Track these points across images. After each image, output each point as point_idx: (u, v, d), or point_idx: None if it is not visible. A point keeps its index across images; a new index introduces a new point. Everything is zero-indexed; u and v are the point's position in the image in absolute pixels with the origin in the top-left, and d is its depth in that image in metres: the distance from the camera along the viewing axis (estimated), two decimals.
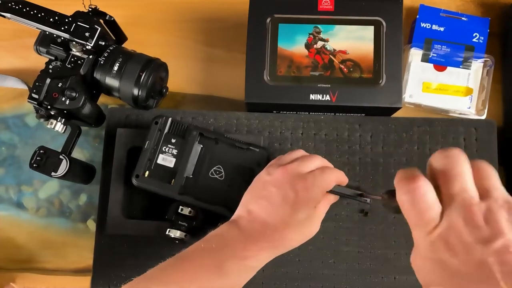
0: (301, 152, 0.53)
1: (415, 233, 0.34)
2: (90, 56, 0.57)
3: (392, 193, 0.38)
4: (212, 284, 0.45)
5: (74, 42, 0.56)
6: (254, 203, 0.49)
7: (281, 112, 0.62)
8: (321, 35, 0.60)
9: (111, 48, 0.58)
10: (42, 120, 0.56)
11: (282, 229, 0.47)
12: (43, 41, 0.59)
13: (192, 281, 0.45)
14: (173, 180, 0.55)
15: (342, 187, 0.52)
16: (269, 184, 0.49)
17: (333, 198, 0.52)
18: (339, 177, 0.51)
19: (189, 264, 0.46)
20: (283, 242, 0.48)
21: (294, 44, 0.60)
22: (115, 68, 0.57)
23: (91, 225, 0.63)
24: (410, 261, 0.36)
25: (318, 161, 0.51)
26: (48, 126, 0.56)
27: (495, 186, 0.32)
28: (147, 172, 0.55)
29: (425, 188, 0.32)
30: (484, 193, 0.32)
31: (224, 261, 0.45)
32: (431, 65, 0.64)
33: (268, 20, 0.60)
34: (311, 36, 0.60)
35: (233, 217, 0.50)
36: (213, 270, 0.45)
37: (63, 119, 0.56)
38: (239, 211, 0.50)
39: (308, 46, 0.60)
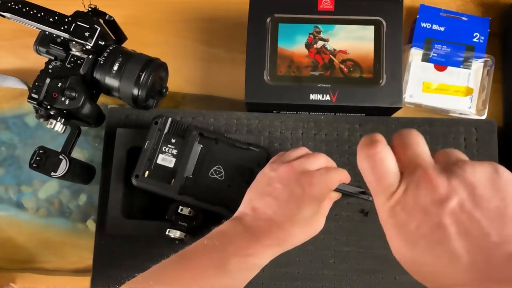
0: (304, 150, 0.53)
1: (376, 200, 0.34)
2: (90, 56, 0.57)
3: None
4: (215, 282, 0.44)
5: (73, 42, 0.56)
6: (259, 200, 0.48)
7: (281, 112, 0.62)
8: (321, 35, 0.60)
9: (111, 48, 0.58)
10: (41, 120, 0.56)
11: (288, 226, 0.47)
12: (43, 41, 0.59)
13: (195, 279, 0.44)
14: (173, 180, 0.55)
15: (345, 185, 0.52)
16: (275, 181, 0.48)
17: (336, 196, 0.52)
18: (343, 176, 0.51)
19: (192, 262, 0.45)
20: (288, 239, 0.47)
21: (294, 44, 0.60)
22: (115, 68, 0.57)
23: (91, 225, 0.63)
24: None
25: (323, 159, 0.51)
26: (48, 126, 0.56)
27: (453, 154, 0.33)
28: (147, 172, 0.55)
29: (384, 153, 0.33)
30: (442, 161, 0.32)
31: (228, 259, 0.45)
32: (432, 65, 0.64)
33: (268, 20, 0.60)
34: (311, 36, 0.60)
35: (237, 214, 0.49)
36: (216, 268, 0.45)
37: (63, 119, 0.56)
38: (242, 208, 0.49)
39: (308, 46, 0.60)
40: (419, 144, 0.33)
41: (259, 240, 0.46)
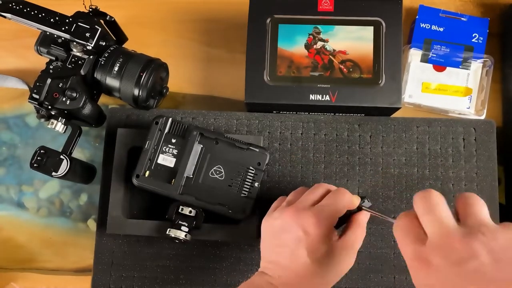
0: (302, 189, 0.52)
1: (405, 258, 0.37)
2: (91, 57, 0.57)
3: None
4: None
5: (74, 43, 0.56)
6: (272, 253, 0.48)
7: (281, 112, 0.62)
8: (321, 36, 0.60)
9: (111, 48, 0.58)
10: (42, 120, 0.56)
11: (306, 273, 0.45)
12: (44, 42, 0.59)
13: None
14: (173, 180, 0.56)
15: (366, 205, 0.50)
16: (279, 230, 0.47)
17: (363, 219, 0.50)
18: (349, 199, 0.49)
19: None
20: (314, 284, 0.46)
21: (294, 44, 0.60)
22: (116, 68, 0.57)
23: (92, 225, 0.64)
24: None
25: (321, 189, 0.50)
26: (49, 126, 0.56)
27: (476, 212, 0.35)
28: (147, 172, 0.56)
29: (409, 219, 0.37)
30: (464, 219, 0.35)
31: None
32: (431, 65, 0.65)
33: (268, 20, 0.60)
34: (311, 36, 0.60)
35: (260, 269, 0.49)
36: None
37: (64, 119, 0.57)
38: (263, 263, 0.49)
39: (308, 46, 0.60)
40: (441, 206, 0.36)
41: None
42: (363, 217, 0.50)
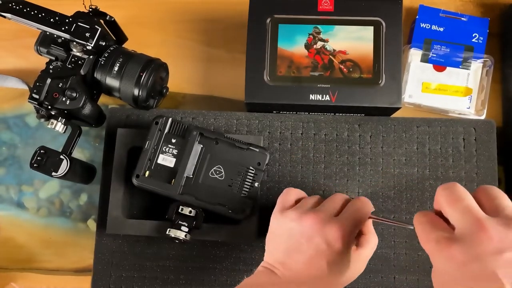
0: (317, 197, 0.51)
1: (429, 252, 0.36)
2: (91, 57, 0.57)
3: None
4: None
5: (74, 43, 0.56)
6: (285, 255, 0.47)
7: (281, 112, 0.62)
8: (321, 36, 0.60)
9: (111, 48, 0.58)
10: (42, 120, 0.56)
11: (319, 282, 0.45)
12: (44, 41, 0.59)
13: None
14: (173, 180, 0.55)
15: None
16: (299, 235, 0.46)
17: (374, 241, 0.50)
18: (369, 208, 0.48)
19: None
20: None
21: (294, 44, 0.60)
22: (116, 68, 0.57)
23: (92, 225, 0.64)
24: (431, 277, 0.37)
25: (340, 197, 0.49)
26: (49, 126, 0.56)
27: (504, 204, 0.34)
28: (147, 172, 0.56)
29: (430, 216, 0.37)
30: (493, 210, 0.34)
31: None
32: (431, 65, 0.65)
33: (268, 20, 0.60)
34: (311, 36, 0.60)
35: (266, 265, 0.48)
36: None
37: (64, 119, 0.57)
38: (271, 260, 0.48)
39: (308, 46, 0.60)
40: (467, 197, 0.34)
41: None
42: (370, 223, 0.49)
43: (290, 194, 0.51)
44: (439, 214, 0.36)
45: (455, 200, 0.34)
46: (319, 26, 0.60)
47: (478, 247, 0.31)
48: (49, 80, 0.55)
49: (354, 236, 0.46)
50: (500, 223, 0.32)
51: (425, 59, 0.65)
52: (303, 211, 0.47)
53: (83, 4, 0.58)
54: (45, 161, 0.55)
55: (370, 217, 0.49)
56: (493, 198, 0.34)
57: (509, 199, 0.35)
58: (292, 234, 0.46)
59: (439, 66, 0.65)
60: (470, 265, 0.31)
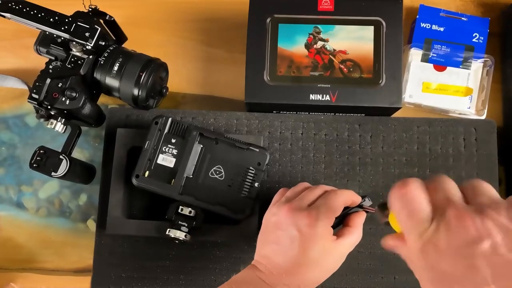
0: (304, 185, 0.51)
1: (408, 239, 0.34)
2: (90, 56, 0.57)
3: (384, 205, 0.40)
4: None
5: (74, 42, 0.56)
6: (266, 248, 0.48)
7: (281, 112, 0.62)
8: (321, 35, 0.60)
9: (111, 48, 0.58)
10: (42, 120, 0.56)
11: (297, 271, 0.46)
12: (43, 41, 0.59)
13: None
14: (173, 180, 0.55)
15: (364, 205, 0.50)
16: (275, 227, 0.48)
17: (360, 221, 0.49)
18: (346, 198, 0.48)
19: None
20: (302, 282, 0.46)
21: (294, 44, 0.60)
22: (115, 68, 0.57)
23: (91, 225, 0.63)
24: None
25: (319, 190, 0.50)
26: (48, 126, 0.56)
27: (484, 191, 0.33)
28: (147, 172, 0.56)
29: (416, 191, 0.34)
30: (473, 199, 0.33)
31: None
32: (431, 65, 0.64)
33: (268, 20, 0.60)
34: (311, 36, 0.60)
35: (253, 262, 0.49)
36: None
37: (63, 119, 0.56)
38: (256, 256, 0.49)
39: (308, 46, 0.60)
40: (451, 186, 0.34)
41: (274, 286, 0.46)
42: (360, 219, 0.49)
43: (282, 192, 0.52)
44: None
45: (437, 187, 0.34)
46: (319, 26, 0.60)
47: (455, 237, 0.30)
48: (48, 80, 0.55)
49: (328, 225, 0.46)
50: (477, 211, 0.30)
51: (425, 59, 0.65)
52: (281, 203, 0.49)
53: (83, 4, 0.58)
54: (44, 161, 0.55)
55: (347, 209, 0.49)
56: (476, 187, 0.33)
57: (491, 187, 0.33)
58: (272, 227, 0.48)
59: (440, 66, 0.64)
60: (448, 258, 0.31)
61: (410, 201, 0.34)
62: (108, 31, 0.61)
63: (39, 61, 0.59)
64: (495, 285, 0.28)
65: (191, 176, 0.56)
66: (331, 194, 0.48)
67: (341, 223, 0.50)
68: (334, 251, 0.47)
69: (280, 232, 0.47)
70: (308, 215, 0.46)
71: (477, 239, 0.29)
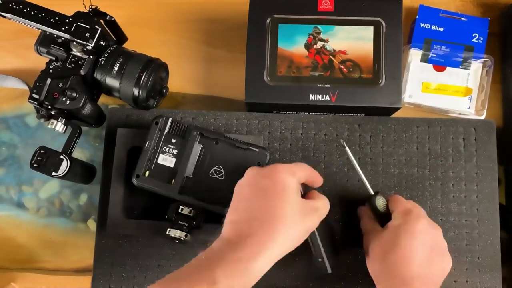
0: None
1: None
2: (91, 57, 0.57)
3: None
4: None
5: (74, 43, 0.56)
6: (234, 212, 0.47)
7: (281, 112, 0.62)
8: (321, 36, 0.60)
9: (111, 48, 0.58)
10: (42, 120, 0.56)
11: (272, 220, 0.45)
12: (44, 41, 0.59)
13: None
14: (173, 180, 0.55)
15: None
16: (242, 188, 0.48)
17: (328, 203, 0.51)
18: (309, 172, 0.51)
19: (181, 282, 0.42)
20: (277, 233, 0.45)
21: (294, 44, 0.60)
22: (116, 68, 0.57)
23: (92, 225, 0.64)
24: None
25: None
26: (49, 126, 0.56)
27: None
28: (147, 172, 0.56)
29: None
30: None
31: (213, 270, 0.42)
32: (431, 65, 0.65)
33: (268, 20, 0.60)
34: (311, 36, 0.60)
35: (220, 237, 0.47)
36: (205, 282, 0.41)
37: (64, 119, 0.57)
38: (226, 225, 0.47)
39: (308, 46, 0.60)
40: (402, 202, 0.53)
41: (245, 243, 0.44)
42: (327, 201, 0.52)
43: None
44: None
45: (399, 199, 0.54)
46: (319, 26, 0.60)
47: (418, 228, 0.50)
48: (49, 80, 0.55)
49: (296, 181, 0.48)
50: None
51: (425, 59, 0.65)
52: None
53: (83, 4, 0.58)
54: (45, 161, 0.55)
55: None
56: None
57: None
58: (239, 191, 0.49)
59: (439, 66, 0.65)
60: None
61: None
62: (109, 31, 0.61)
63: (39, 61, 0.59)
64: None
65: (191, 176, 0.56)
66: (295, 164, 0.50)
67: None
68: (306, 209, 0.48)
69: (247, 188, 0.48)
70: (272, 168, 0.48)
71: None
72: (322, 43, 0.60)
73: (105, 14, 0.59)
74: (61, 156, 0.55)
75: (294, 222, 0.46)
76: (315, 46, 0.60)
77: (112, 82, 0.57)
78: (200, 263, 0.44)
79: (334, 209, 0.58)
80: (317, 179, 0.53)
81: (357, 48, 0.59)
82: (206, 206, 0.55)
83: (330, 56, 0.59)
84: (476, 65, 0.64)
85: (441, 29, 0.65)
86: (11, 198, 0.65)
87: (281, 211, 0.46)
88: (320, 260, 0.53)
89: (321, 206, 0.50)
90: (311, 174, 0.52)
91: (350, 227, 0.58)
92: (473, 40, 0.65)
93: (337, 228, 0.59)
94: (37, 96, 0.55)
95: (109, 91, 0.59)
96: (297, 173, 0.49)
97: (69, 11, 0.57)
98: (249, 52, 0.60)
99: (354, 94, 0.58)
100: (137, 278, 0.59)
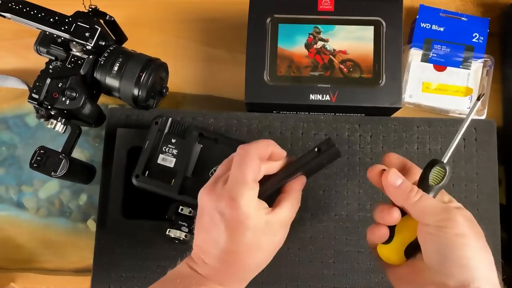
0: (231, 156, 0.45)
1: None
2: (90, 56, 0.57)
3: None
4: None
5: (74, 42, 0.56)
6: (197, 237, 0.45)
7: (281, 112, 0.62)
8: (321, 35, 0.60)
9: (111, 48, 0.58)
10: (42, 120, 0.56)
11: (230, 259, 0.42)
12: (43, 41, 0.59)
13: None
14: (173, 180, 0.55)
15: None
16: (200, 214, 0.44)
17: (298, 187, 0.45)
18: (257, 153, 0.42)
19: None
20: (242, 269, 0.43)
21: (294, 44, 0.60)
22: (115, 68, 0.57)
23: (91, 225, 0.64)
24: None
25: (227, 160, 0.45)
26: (48, 126, 0.56)
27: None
28: (147, 172, 0.56)
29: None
30: None
31: None
32: (431, 65, 0.64)
33: (268, 20, 0.60)
34: (311, 36, 0.60)
35: (191, 253, 0.46)
36: None
37: (63, 119, 0.56)
38: (193, 246, 0.45)
39: (308, 46, 0.60)
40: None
41: (210, 279, 0.42)
42: (297, 183, 0.45)
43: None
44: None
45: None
46: (319, 26, 0.60)
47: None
48: (48, 80, 0.55)
49: (252, 199, 0.41)
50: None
51: (425, 59, 0.65)
52: (204, 186, 0.44)
53: (83, 4, 0.58)
54: (45, 161, 0.55)
55: (286, 173, 0.44)
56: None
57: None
58: (199, 214, 0.44)
59: (440, 66, 0.64)
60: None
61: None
62: (108, 31, 0.61)
63: (39, 61, 0.59)
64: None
65: (191, 176, 0.56)
66: (236, 159, 0.42)
67: (273, 189, 0.45)
68: (272, 225, 0.42)
69: (205, 218, 0.42)
70: (223, 192, 0.41)
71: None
72: (322, 43, 0.60)
73: (104, 14, 0.59)
74: (61, 156, 0.55)
75: (257, 252, 0.42)
76: (315, 46, 0.60)
77: (112, 82, 0.57)
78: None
79: (334, 209, 0.58)
80: (275, 153, 0.44)
81: (357, 48, 0.59)
82: None
83: (330, 56, 0.59)
84: (477, 65, 0.64)
85: (442, 29, 0.65)
86: (11, 198, 0.65)
87: (241, 248, 0.41)
88: None
89: (287, 215, 0.43)
90: (264, 154, 0.43)
91: (350, 227, 0.58)
92: (474, 40, 0.65)
93: (337, 228, 0.58)
94: (36, 96, 0.55)
95: (109, 91, 0.58)
96: (248, 175, 0.41)
97: (69, 11, 0.57)
98: (249, 52, 0.60)
99: (354, 94, 0.58)
100: (137, 278, 0.59)
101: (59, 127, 0.56)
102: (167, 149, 0.56)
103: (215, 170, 0.56)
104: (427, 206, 0.40)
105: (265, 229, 0.42)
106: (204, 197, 0.43)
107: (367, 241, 0.44)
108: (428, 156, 0.60)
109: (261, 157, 0.43)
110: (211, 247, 0.42)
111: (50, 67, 0.57)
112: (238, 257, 0.42)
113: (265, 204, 0.43)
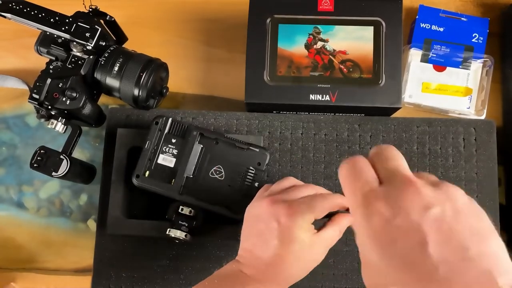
0: (291, 181, 0.51)
1: (352, 204, 0.34)
2: (91, 57, 0.57)
3: None
4: None
5: (74, 43, 0.56)
6: (248, 241, 0.48)
7: (281, 112, 0.62)
8: (321, 36, 0.60)
9: (111, 48, 0.58)
10: (42, 120, 0.56)
11: (277, 263, 0.46)
12: (44, 41, 0.59)
13: None
14: (173, 180, 0.55)
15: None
16: (256, 220, 0.48)
17: (345, 222, 0.49)
18: (333, 204, 0.47)
19: None
20: (284, 275, 0.46)
21: (294, 44, 0.60)
22: (116, 68, 0.57)
23: (92, 225, 0.64)
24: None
25: (309, 189, 0.49)
26: (49, 126, 0.56)
27: (425, 174, 0.34)
28: (147, 172, 0.56)
29: (361, 160, 0.34)
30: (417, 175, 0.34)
31: None
32: (431, 65, 0.65)
33: (268, 20, 0.60)
34: (311, 36, 0.60)
35: (237, 256, 0.49)
36: None
37: (64, 119, 0.57)
38: (240, 250, 0.49)
39: (308, 46, 0.60)
40: (401, 158, 0.34)
41: (253, 280, 0.46)
42: (343, 218, 0.48)
43: (265, 188, 0.51)
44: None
45: (387, 158, 0.34)
46: (319, 26, 0.60)
47: (405, 202, 0.30)
48: (49, 80, 0.55)
49: (308, 220, 0.46)
50: (429, 183, 0.31)
51: (425, 59, 0.65)
52: (263, 196, 0.49)
53: (83, 4, 0.58)
54: (45, 161, 0.55)
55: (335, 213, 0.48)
56: (428, 177, 0.34)
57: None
58: (253, 220, 0.48)
59: (439, 66, 0.65)
60: (395, 219, 0.30)
61: (355, 166, 0.34)
62: (109, 31, 0.61)
63: (39, 61, 0.59)
64: (433, 250, 0.28)
65: (191, 176, 0.56)
66: (317, 197, 0.47)
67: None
68: (315, 244, 0.46)
69: (261, 224, 0.47)
70: (287, 206, 0.46)
71: (428, 205, 0.29)
72: (322, 43, 0.60)
73: (105, 14, 0.59)
74: (61, 156, 0.55)
75: (299, 263, 0.47)
76: (315, 46, 0.60)
77: (112, 82, 0.57)
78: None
79: None
80: (344, 206, 0.48)
81: (357, 48, 0.59)
82: (206, 206, 0.55)
83: (330, 56, 0.59)
84: (476, 65, 0.64)
85: (441, 29, 0.65)
86: (11, 198, 0.65)
87: (292, 257, 0.46)
88: None
89: (328, 239, 0.48)
90: (337, 205, 0.47)
91: (350, 227, 0.58)
92: (473, 40, 0.65)
93: None
94: (37, 96, 0.55)
95: (109, 91, 0.59)
96: (316, 210, 0.46)
97: (69, 11, 0.57)
98: (249, 52, 0.60)
99: (354, 94, 0.58)
100: (137, 278, 0.59)
101: (60, 127, 0.56)
102: (167, 149, 0.56)
103: (215, 170, 0.56)
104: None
105: (309, 246, 0.46)
106: (265, 205, 0.47)
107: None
108: (427, 156, 0.60)
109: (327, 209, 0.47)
110: (261, 250, 0.46)
111: (51, 67, 0.57)
112: (283, 263, 0.46)
113: (313, 227, 0.47)
